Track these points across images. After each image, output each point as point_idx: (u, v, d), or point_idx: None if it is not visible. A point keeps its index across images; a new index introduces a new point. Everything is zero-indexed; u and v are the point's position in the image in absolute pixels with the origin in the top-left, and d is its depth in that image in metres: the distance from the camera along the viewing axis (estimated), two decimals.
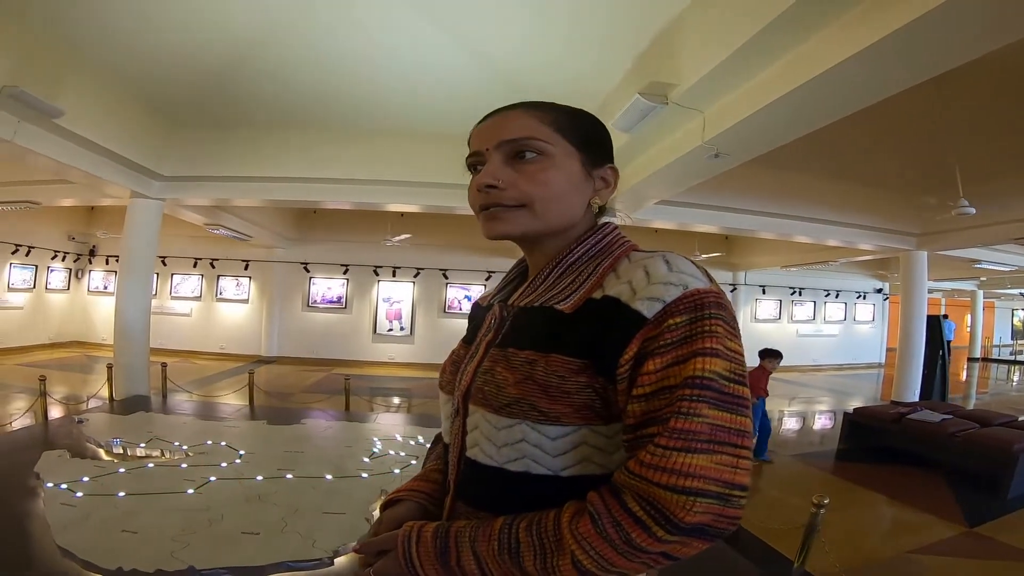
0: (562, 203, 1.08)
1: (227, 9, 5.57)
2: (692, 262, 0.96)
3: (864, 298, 19.82)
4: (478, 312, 1.33)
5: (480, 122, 1.16)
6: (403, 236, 13.69)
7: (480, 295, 1.42)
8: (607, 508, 0.83)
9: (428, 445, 6.62)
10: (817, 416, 10.98)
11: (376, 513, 4.03)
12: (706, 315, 0.87)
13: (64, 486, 4.82)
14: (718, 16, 4.41)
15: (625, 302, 0.92)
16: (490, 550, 0.91)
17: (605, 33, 5.41)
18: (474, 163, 1.14)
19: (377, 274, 16.05)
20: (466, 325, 1.35)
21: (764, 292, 18.31)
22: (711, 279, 0.95)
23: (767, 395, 7.34)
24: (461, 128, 5.71)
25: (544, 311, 1.05)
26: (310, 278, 16.15)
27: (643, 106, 5.29)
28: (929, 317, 11.90)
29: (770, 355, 7.45)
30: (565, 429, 0.94)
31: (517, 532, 0.90)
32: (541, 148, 1.06)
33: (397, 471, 5.61)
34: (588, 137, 1.13)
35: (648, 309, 0.89)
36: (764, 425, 7.22)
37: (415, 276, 16.08)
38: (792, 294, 18.76)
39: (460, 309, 16.13)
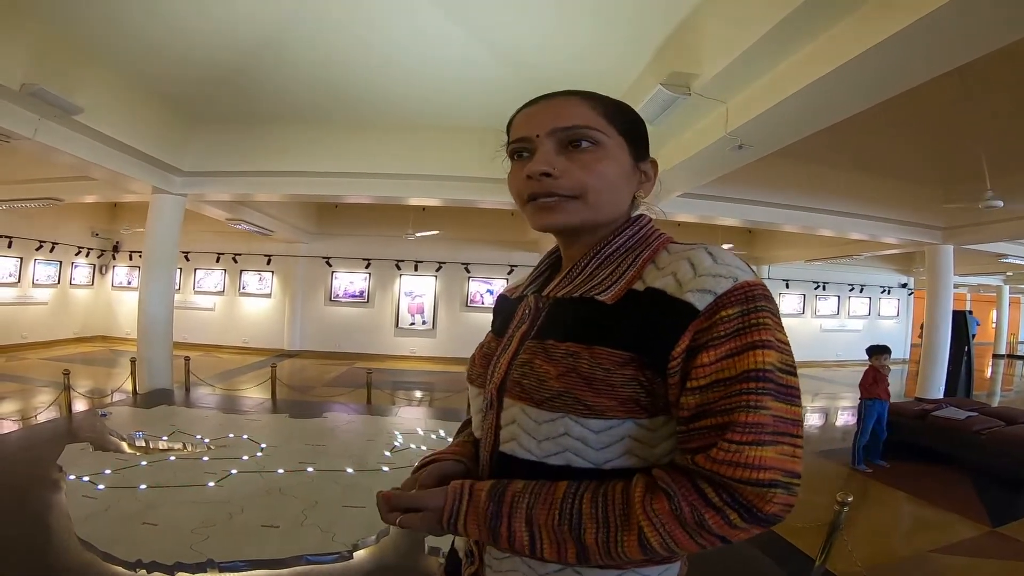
0: (614, 195, 1.07)
1: (242, 6, 5.58)
2: (733, 255, 0.96)
3: (888, 293, 19.62)
4: (505, 304, 1.30)
5: (525, 107, 1.12)
6: (429, 232, 13.67)
7: (506, 287, 1.39)
8: (679, 487, 0.84)
9: (449, 439, 6.63)
10: (840, 412, 10.87)
11: None
12: (757, 307, 0.88)
13: (86, 478, 4.87)
14: (740, 4, 4.36)
15: (672, 294, 0.91)
16: (549, 519, 0.90)
17: (626, 23, 5.37)
18: (519, 149, 1.10)
19: (399, 268, 16.09)
20: (490, 318, 1.33)
21: (788, 286, 18.17)
22: (753, 271, 0.94)
23: (888, 397, 6.94)
24: (482, 122, 5.74)
25: (583, 302, 1.03)
26: (332, 272, 16.21)
27: (665, 97, 5.24)
28: (954, 312, 11.73)
29: (877, 351, 6.98)
30: (609, 423, 0.92)
31: (581, 504, 0.89)
32: (596, 138, 1.04)
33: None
34: (633, 129, 1.12)
35: (699, 301, 0.88)
36: (878, 429, 6.89)
37: (437, 270, 16.08)
38: (816, 288, 18.61)
39: (482, 303, 16.12)
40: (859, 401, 7.02)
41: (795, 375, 0.88)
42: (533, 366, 1.00)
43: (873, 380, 6.87)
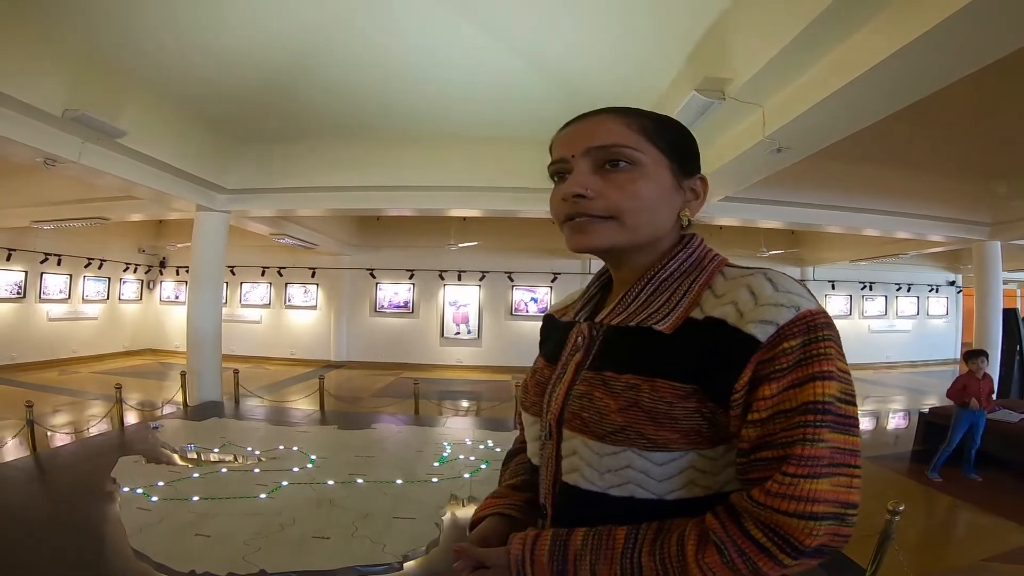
0: (652, 215, 1.03)
1: (276, 25, 5.69)
2: (794, 280, 0.94)
3: (937, 291, 19.12)
4: (553, 326, 1.29)
5: (564, 128, 1.10)
6: (470, 243, 13.71)
7: (552, 307, 1.38)
8: (730, 536, 0.84)
9: (497, 449, 6.64)
10: (891, 416, 10.68)
11: (446, 518, 4.06)
12: (819, 337, 0.86)
13: (140, 490, 4.98)
14: (771, 5, 4.31)
15: (733, 324, 0.89)
16: (612, 574, 0.90)
17: (656, 29, 5.35)
18: (558, 171, 1.09)
19: (443, 278, 16.16)
20: (533, 325, 1.31)
21: (833, 287, 17.80)
22: (814, 297, 0.92)
23: (987, 406, 6.32)
24: (518, 132, 5.75)
25: (641, 332, 1.00)
26: (376, 283, 16.37)
27: (700, 103, 5.22)
28: (1005, 310, 11.44)
29: (973, 356, 6.50)
30: (672, 455, 0.91)
31: (640, 557, 0.89)
32: (632, 156, 1.01)
33: (467, 475, 5.66)
34: (677, 146, 1.08)
35: (761, 332, 0.86)
36: (965, 439, 6.38)
37: (480, 279, 16.12)
38: (862, 289, 18.25)
39: (526, 311, 16.12)
40: (954, 408, 6.56)
41: (855, 404, 0.86)
42: (592, 399, 0.98)
43: (964, 387, 6.41)
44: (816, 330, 0.86)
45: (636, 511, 0.93)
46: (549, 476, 1.08)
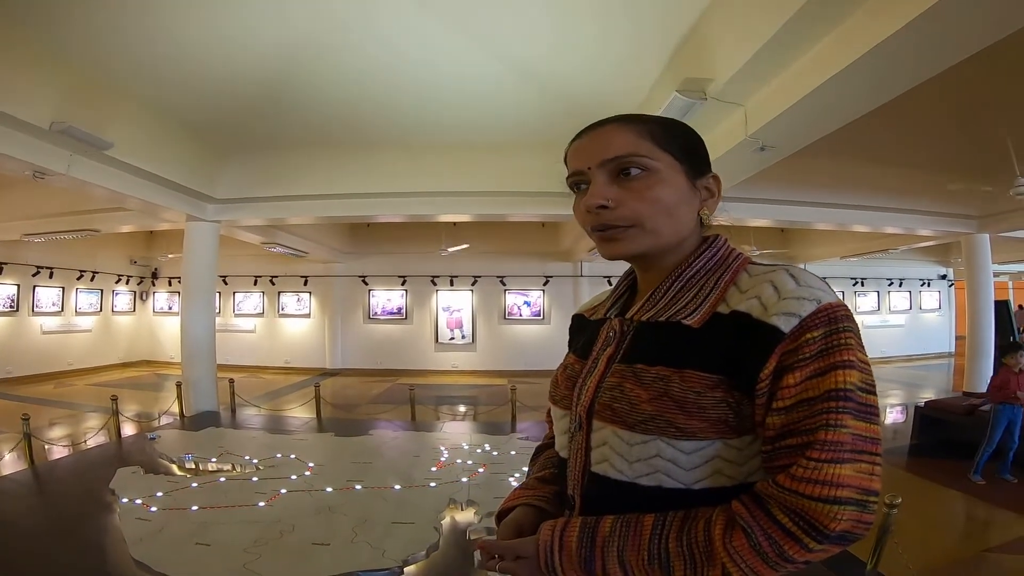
0: (673, 218, 1.07)
1: (263, 36, 5.71)
2: (814, 275, 0.97)
3: (928, 285, 19.21)
4: (584, 324, 1.33)
5: (575, 139, 1.14)
6: (461, 246, 13.71)
7: (581, 307, 1.43)
8: (756, 521, 0.86)
9: (494, 453, 6.64)
10: (888, 410, 10.69)
11: (445, 522, 4.08)
12: (840, 328, 0.89)
13: (139, 501, 4.98)
14: (748, 5, 4.36)
15: (758, 317, 0.93)
16: (639, 560, 0.93)
17: (635, 32, 5.40)
18: (576, 182, 1.13)
19: (435, 284, 16.19)
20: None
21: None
22: (834, 291, 0.95)
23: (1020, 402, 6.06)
24: (505, 136, 5.81)
25: (670, 326, 1.04)
26: (369, 291, 16.38)
27: (682, 104, 5.26)
28: (997, 303, 11.47)
29: (1011, 350, 6.33)
30: (700, 443, 0.94)
31: (667, 543, 0.92)
32: (645, 164, 1.05)
33: (465, 479, 5.65)
34: (686, 147, 1.11)
35: (785, 324, 0.90)
36: (1007, 439, 6.14)
37: (472, 284, 16.13)
38: (854, 285, 18.30)
39: (520, 315, 16.17)
40: (989, 406, 6.41)
41: (874, 394, 0.90)
42: (624, 390, 1.02)
43: (1005, 382, 6.19)
44: (837, 322, 0.89)
45: (664, 501, 0.96)
46: (578, 467, 1.11)
